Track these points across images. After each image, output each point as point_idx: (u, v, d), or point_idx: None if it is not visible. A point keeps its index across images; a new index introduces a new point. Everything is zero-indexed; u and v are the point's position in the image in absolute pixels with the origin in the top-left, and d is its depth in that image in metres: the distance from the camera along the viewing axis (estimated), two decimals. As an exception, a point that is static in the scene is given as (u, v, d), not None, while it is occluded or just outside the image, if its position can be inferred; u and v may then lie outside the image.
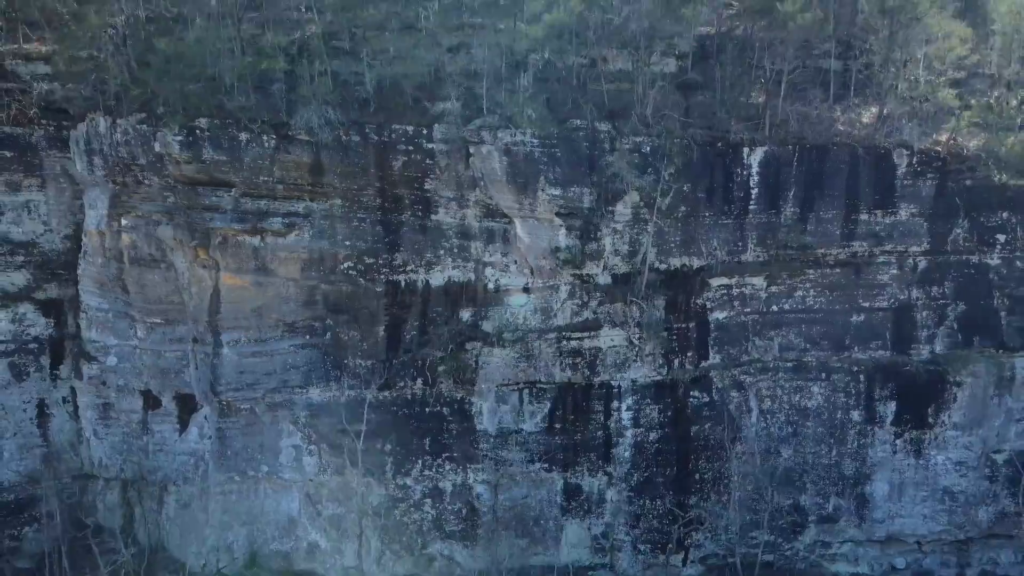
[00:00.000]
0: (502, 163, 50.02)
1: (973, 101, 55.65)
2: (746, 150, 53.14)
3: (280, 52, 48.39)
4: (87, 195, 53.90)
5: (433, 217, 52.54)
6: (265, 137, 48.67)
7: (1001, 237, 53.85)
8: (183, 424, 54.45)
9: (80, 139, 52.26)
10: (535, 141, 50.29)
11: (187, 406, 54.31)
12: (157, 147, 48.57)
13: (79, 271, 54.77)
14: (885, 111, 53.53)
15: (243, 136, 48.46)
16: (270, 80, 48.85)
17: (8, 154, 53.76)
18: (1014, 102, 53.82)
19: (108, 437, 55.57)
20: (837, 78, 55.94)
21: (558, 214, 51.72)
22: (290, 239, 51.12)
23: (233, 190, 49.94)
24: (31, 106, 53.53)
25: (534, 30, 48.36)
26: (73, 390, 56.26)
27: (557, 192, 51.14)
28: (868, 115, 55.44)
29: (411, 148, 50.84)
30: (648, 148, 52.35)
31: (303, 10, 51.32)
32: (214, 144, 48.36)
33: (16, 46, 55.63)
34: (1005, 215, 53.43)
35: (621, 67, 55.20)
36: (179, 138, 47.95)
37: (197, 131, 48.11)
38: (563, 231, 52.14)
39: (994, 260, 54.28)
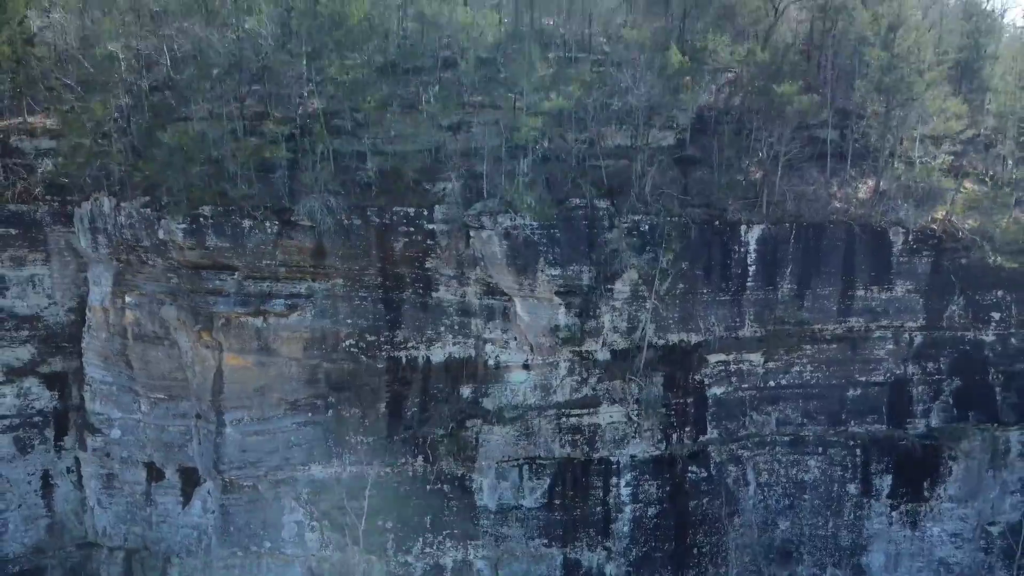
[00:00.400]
0: (502, 247, 50.59)
1: (967, 184, 56.26)
2: (743, 228, 53.71)
3: (282, 139, 48.70)
4: (91, 271, 54.49)
5: (434, 295, 53.12)
6: (268, 223, 49.26)
7: (996, 315, 54.45)
8: (186, 497, 55.03)
9: (84, 217, 52.89)
10: (535, 224, 50.87)
11: (190, 479, 54.92)
12: (161, 234, 49.16)
13: (83, 344, 55.38)
14: (881, 188, 53.99)
15: (246, 223, 49.04)
16: (272, 167, 49.37)
17: (13, 231, 54.36)
18: (1009, 180, 54.17)
19: (112, 507, 56.17)
20: (834, 146, 56.49)
21: (557, 293, 52.27)
22: (292, 319, 51.66)
23: (236, 273, 50.48)
24: (36, 184, 54.16)
25: (533, 120, 48.87)
26: (77, 460, 56.88)
27: (556, 272, 51.70)
28: (865, 189, 55.98)
29: (412, 229, 51.46)
30: (647, 226, 52.94)
31: (304, 87, 51.42)
32: (217, 231, 48.94)
33: (20, 120, 56.40)
34: (1000, 293, 54.00)
35: (620, 143, 55.73)
36: (183, 226, 48.53)
37: (201, 219, 48.70)
38: (562, 309, 52.69)
39: (989, 337, 54.86)
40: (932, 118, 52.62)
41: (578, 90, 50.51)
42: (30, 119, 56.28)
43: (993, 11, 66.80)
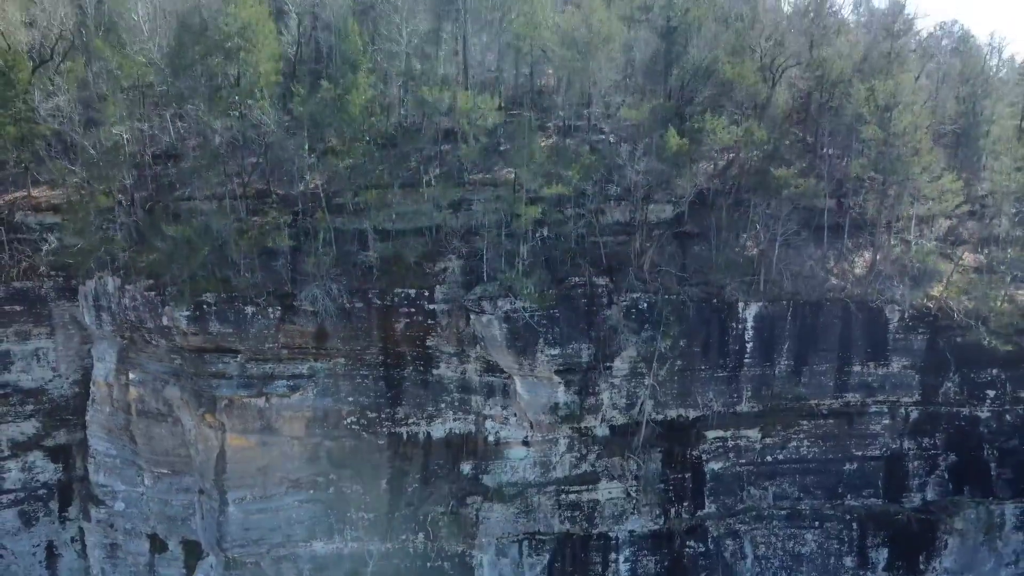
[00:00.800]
0: (502, 330, 51.12)
1: (964, 254, 56.78)
2: (741, 306, 54.24)
3: (284, 226, 49.22)
4: (95, 347, 55.07)
5: (434, 372, 53.69)
6: (270, 309, 49.88)
7: (991, 392, 54.99)
8: (189, 569, 55.65)
9: (89, 295, 53.49)
10: (535, 306, 51.37)
11: (193, 552, 55.53)
12: (165, 320, 49.74)
13: (87, 417, 56.00)
14: (877, 267, 54.51)
15: (249, 309, 49.64)
16: (275, 255, 49.86)
17: (18, 307, 54.95)
18: (1004, 259, 54.70)
19: (116, 576, 56.82)
20: (831, 215, 56.89)
21: (557, 372, 52.78)
22: (295, 398, 52.22)
23: (239, 356, 51.07)
24: (41, 262, 54.71)
25: (533, 210, 49.36)
26: (81, 530, 57.55)
27: (556, 352, 52.24)
28: (861, 263, 56.51)
29: (413, 310, 52.06)
30: (645, 304, 53.51)
31: (306, 169, 51.94)
32: (220, 317, 49.53)
33: (25, 193, 56.91)
34: (995, 371, 54.53)
35: (618, 218, 56.24)
36: (186, 314, 49.09)
37: (204, 306, 49.30)
38: (562, 388, 53.23)
39: (984, 413, 55.40)
40: (928, 201, 52.97)
41: (577, 174, 50.93)
42: (35, 192, 56.90)
43: (990, 73, 66.92)
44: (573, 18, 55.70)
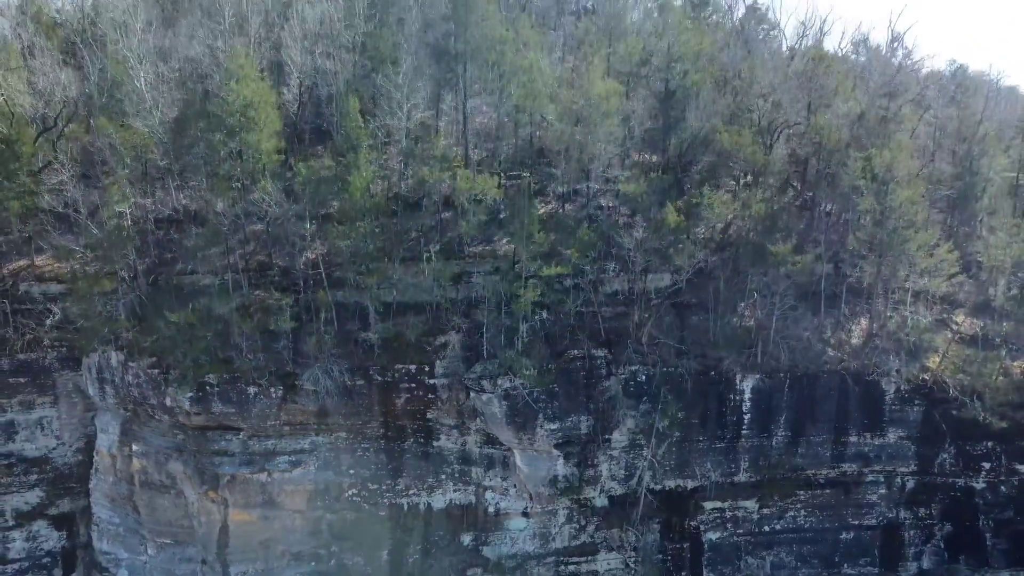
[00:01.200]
0: (501, 407, 51.62)
1: (959, 319, 57.27)
2: (739, 377, 54.78)
3: (287, 308, 49.70)
4: (99, 417, 55.53)
5: (435, 444, 54.23)
6: (273, 389, 50.41)
7: (986, 464, 55.50)
8: (193, 636, 56.05)
9: (92, 367, 53.93)
10: (533, 376, 51.82)
11: (197, 619, 55.96)
12: (168, 401, 50.22)
13: (91, 485, 56.42)
14: (874, 341, 54.97)
15: (251, 390, 50.18)
16: (276, 336, 50.34)
17: (22, 379, 55.37)
18: (999, 332, 55.18)
19: (119, 642, 57.26)
20: (828, 281, 57.28)
21: (556, 445, 53.31)
22: (296, 473, 52.69)
23: (241, 433, 51.55)
24: (45, 335, 55.12)
25: (532, 293, 49.82)
26: (85, 596, 57.97)
27: (555, 426, 52.78)
28: (858, 332, 57.04)
29: (414, 385, 52.63)
30: (644, 377, 54.09)
31: (308, 246, 52.46)
32: (223, 398, 50.06)
33: (29, 263, 57.40)
34: (990, 444, 55.06)
35: (617, 288, 56.77)
36: (189, 395, 49.57)
37: (207, 387, 49.79)
38: (561, 461, 53.79)
39: (980, 484, 55.89)
40: (925, 277, 53.48)
41: (576, 253, 51.42)
42: (38, 260, 57.39)
43: (986, 132, 67.33)
44: (572, 92, 56.09)
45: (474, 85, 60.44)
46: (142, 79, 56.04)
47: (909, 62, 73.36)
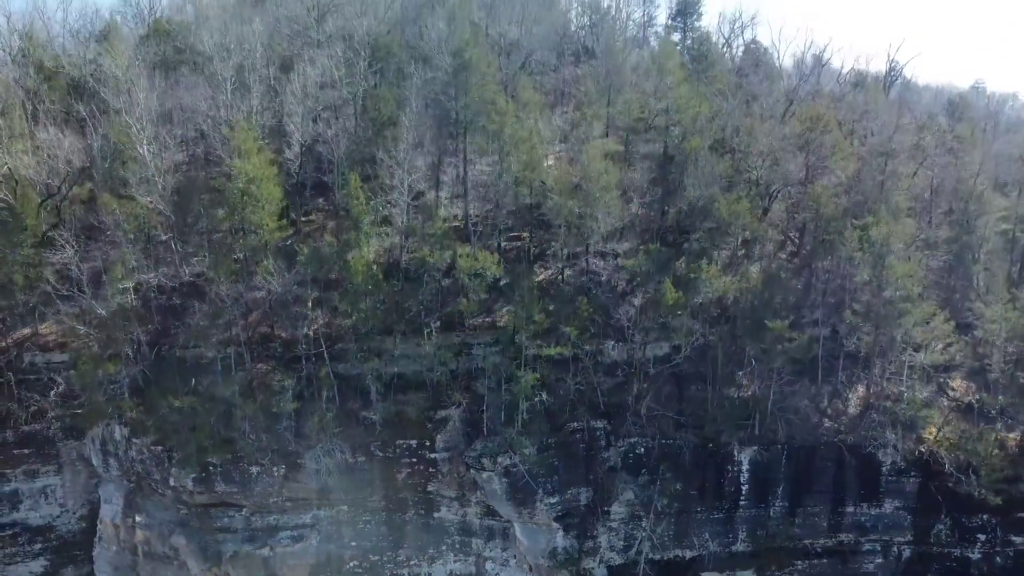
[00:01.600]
0: (502, 484, 52.18)
1: (956, 384, 57.82)
2: (736, 449, 55.28)
3: (289, 389, 50.22)
4: (103, 488, 56.04)
5: (435, 515, 54.81)
6: (275, 468, 50.94)
7: (982, 536, 55.88)
8: None
9: (96, 439, 54.50)
10: (533, 455, 52.37)
11: None
12: (172, 481, 50.72)
13: (94, 553, 56.92)
14: (870, 414, 55.48)
15: (254, 469, 50.79)
16: (279, 417, 50.82)
17: (27, 450, 55.89)
18: (995, 404, 55.71)
19: None
20: (825, 346, 57.64)
21: (556, 518, 53.80)
22: (298, 547, 53.23)
23: (244, 510, 52.06)
24: (49, 407, 55.56)
25: (532, 377, 50.33)
26: (90, 662, 58.37)
27: (555, 500, 53.34)
28: (855, 399, 57.54)
29: (415, 460, 53.30)
30: (642, 450, 54.66)
31: (309, 325, 53.00)
32: (226, 478, 50.65)
33: (32, 332, 57.86)
34: (986, 516, 55.36)
35: (616, 358, 57.21)
36: (193, 475, 50.07)
37: (210, 467, 50.29)
38: (560, 533, 54.28)
39: (975, 555, 56.27)
40: (921, 352, 54.02)
41: (575, 331, 51.92)
42: (42, 328, 57.86)
43: (983, 191, 67.84)
44: (572, 169, 56.62)
45: (474, 144, 60.78)
46: (145, 147, 56.63)
47: (905, 120, 73.77)
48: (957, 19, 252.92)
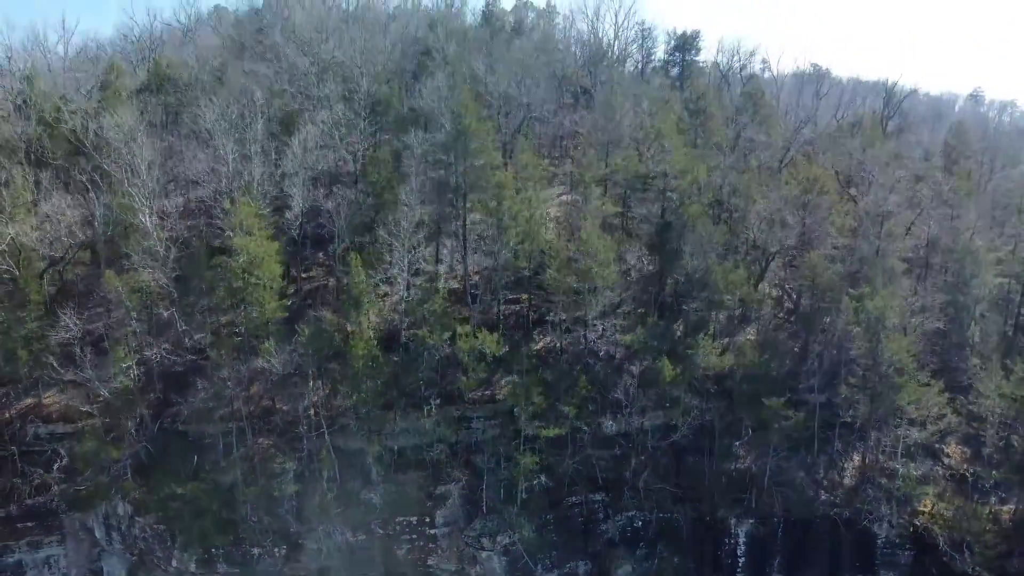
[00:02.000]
0: (501, 563, 52.85)
1: (951, 453, 58.41)
2: (733, 521, 55.94)
3: (290, 471, 50.77)
4: (106, 560, 56.44)
5: (436, 588, 55.35)
6: (276, 549, 51.47)
7: (978, 608, 56.47)
8: None
9: (100, 513, 54.93)
10: (532, 535, 52.98)
11: None
12: (174, 563, 51.28)
13: (98, 624, 57.45)
14: (865, 488, 56.06)
15: (255, 551, 51.37)
16: (280, 501, 51.34)
17: (30, 523, 56.26)
18: (989, 477, 56.27)
19: None
20: (822, 412, 58.09)
21: (555, 593, 54.51)
22: (300, 623, 53.82)
23: (246, 587, 52.69)
24: (52, 481, 56.02)
25: (532, 459, 50.89)
26: None
27: (553, 575, 53.89)
28: (851, 470, 58.13)
29: (415, 536, 53.76)
30: (640, 523, 55.34)
31: (311, 402, 53.55)
32: (228, 560, 51.28)
33: (35, 402, 58.30)
34: (980, 589, 55.99)
35: (614, 430, 57.72)
36: (195, 558, 50.63)
37: (212, 549, 50.83)
38: (560, 609, 54.94)
39: (971, 626, 56.86)
40: (915, 428, 54.61)
41: (574, 410, 52.47)
42: (45, 399, 58.32)
43: (978, 250, 68.26)
44: (570, 246, 57.14)
45: (473, 207, 61.14)
46: (147, 218, 57.10)
47: (902, 173, 74.31)
48: (957, 19, 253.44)
